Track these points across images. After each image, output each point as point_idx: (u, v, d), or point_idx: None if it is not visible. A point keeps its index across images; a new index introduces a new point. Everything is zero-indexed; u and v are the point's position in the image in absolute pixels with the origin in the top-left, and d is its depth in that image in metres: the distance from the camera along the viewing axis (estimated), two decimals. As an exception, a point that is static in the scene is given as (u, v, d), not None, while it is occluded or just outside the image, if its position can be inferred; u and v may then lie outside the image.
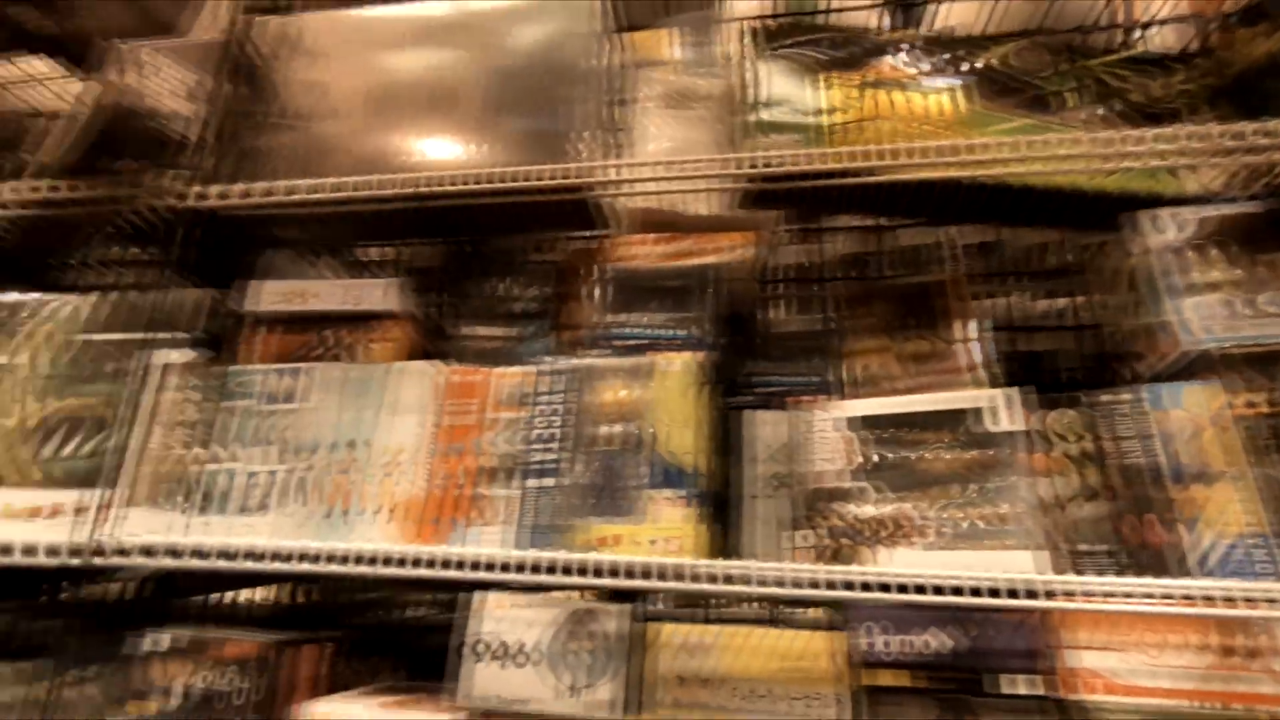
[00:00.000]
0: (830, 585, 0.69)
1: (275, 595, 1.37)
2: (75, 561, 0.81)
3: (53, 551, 0.82)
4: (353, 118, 1.03)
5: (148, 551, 0.80)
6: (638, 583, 0.72)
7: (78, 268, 1.26)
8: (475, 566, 0.75)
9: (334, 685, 0.87)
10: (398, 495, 0.85)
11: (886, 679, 0.75)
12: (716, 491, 0.85)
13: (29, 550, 0.82)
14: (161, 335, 0.94)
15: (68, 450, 0.94)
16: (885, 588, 0.68)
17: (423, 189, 0.91)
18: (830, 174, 0.87)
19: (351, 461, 0.88)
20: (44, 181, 1.02)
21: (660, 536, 0.77)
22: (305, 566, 0.77)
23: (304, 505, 0.87)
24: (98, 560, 0.81)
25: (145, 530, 0.84)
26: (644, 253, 0.93)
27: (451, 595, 1.17)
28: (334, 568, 0.77)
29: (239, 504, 0.88)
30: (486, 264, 1.01)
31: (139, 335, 0.99)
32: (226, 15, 1.06)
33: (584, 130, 0.95)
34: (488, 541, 0.81)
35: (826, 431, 0.85)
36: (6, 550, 0.83)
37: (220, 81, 1.02)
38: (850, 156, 0.84)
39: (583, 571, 0.73)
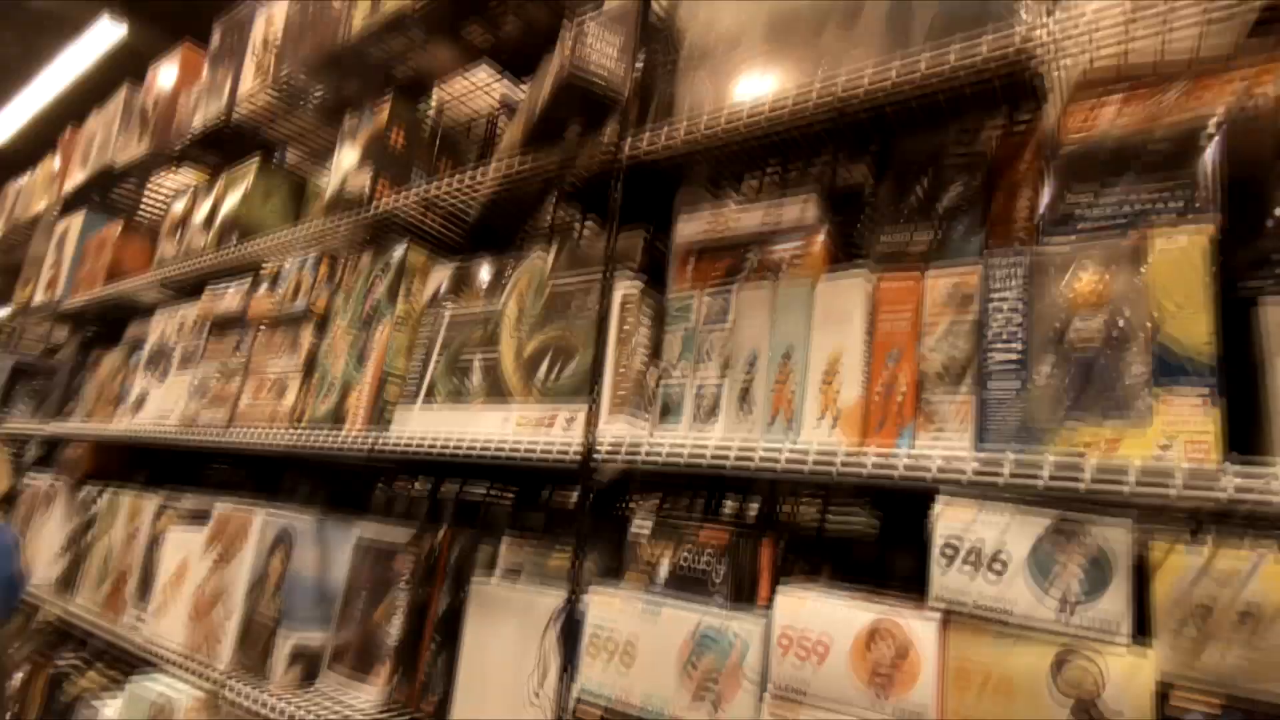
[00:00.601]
0: None
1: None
2: (578, 458, 1.00)
3: (562, 451, 1.02)
4: (753, 46, 1.05)
5: (634, 451, 0.95)
6: (1151, 490, 0.62)
7: (538, 226, 1.54)
8: (944, 470, 0.73)
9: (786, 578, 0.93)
10: (840, 402, 0.86)
11: None
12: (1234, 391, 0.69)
13: (546, 450, 1.04)
14: (611, 272, 1.09)
15: (554, 374, 1.16)
16: None
17: (841, 93, 0.89)
18: None
19: (789, 372, 0.92)
20: (514, 158, 1.25)
21: (1173, 440, 0.65)
22: (767, 465, 0.83)
23: (749, 413, 0.94)
24: (596, 457, 0.98)
25: (621, 433, 1.00)
26: (1107, 118, 0.78)
27: (873, 506, 1.18)
28: (795, 467, 0.82)
29: (692, 413, 0.99)
30: (901, 167, 0.96)
31: (594, 275, 1.17)
32: (633, -22, 1.17)
33: (1018, -9, 0.83)
34: (940, 446, 0.78)
35: None
36: (531, 450, 1.06)
37: (635, 40, 1.13)
38: None
39: (1076, 476, 0.66)
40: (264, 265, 1.71)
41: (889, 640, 0.73)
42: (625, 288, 1.06)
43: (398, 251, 1.46)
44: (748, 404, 0.94)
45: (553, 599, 1.06)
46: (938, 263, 0.86)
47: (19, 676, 2.19)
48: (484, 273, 1.36)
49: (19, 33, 4.39)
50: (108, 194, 2.78)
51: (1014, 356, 0.75)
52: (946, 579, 0.73)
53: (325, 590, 1.44)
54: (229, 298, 1.76)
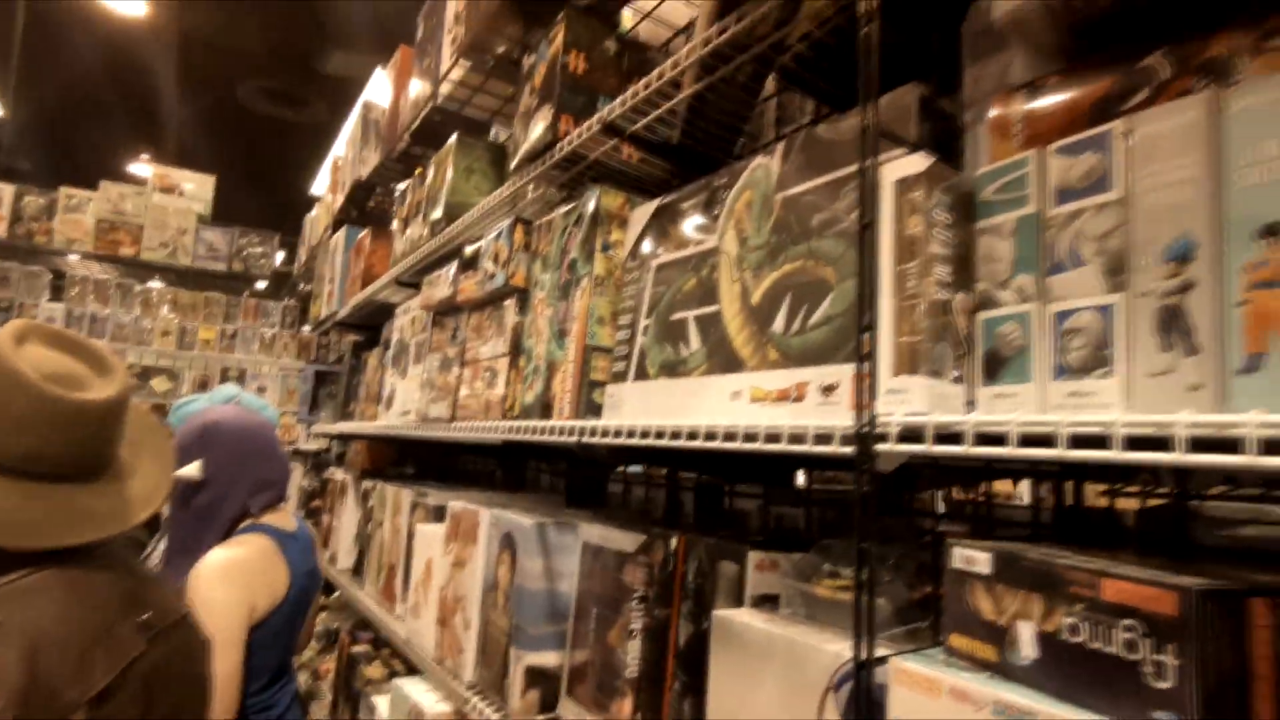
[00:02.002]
0: None
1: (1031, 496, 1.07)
2: (847, 449, 0.63)
3: (822, 437, 0.66)
4: None
5: (948, 435, 0.55)
6: None
7: (757, 135, 1.18)
8: None
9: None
10: None
11: None
12: None
13: (795, 436, 0.69)
14: (873, 148, 0.68)
15: (798, 322, 0.80)
16: None
17: None
18: None
19: (1284, 261, 0.45)
20: (710, 31, 0.89)
21: None
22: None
23: (1184, 354, 0.48)
24: (877, 448, 0.60)
25: (917, 404, 0.60)
26: None
27: None
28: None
29: (1052, 362, 0.56)
30: None
31: (842, 171, 0.77)
32: None
33: None
34: None
35: None
36: (773, 436, 0.71)
37: None
38: None
39: None
40: (468, 245, 1.57)
41: None
42: (901, 167, 0.65)
43: (590, 198, 1.20)
44: (1179, 333, 0.49)
45: (829, 650, 0.70)
46: None
47: (333, 654, 2.43)
48: (692, 205, 1.03)
49: (325, 98, 5.12)
50: (361, 207, 2.99)
51: None
52: None
53: (555, 604, 1.24)
54: (441, 284, 1.66)
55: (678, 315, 0.99)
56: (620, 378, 1.08)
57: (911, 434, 0.58)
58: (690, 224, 1.02)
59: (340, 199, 3.16)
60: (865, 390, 0.63)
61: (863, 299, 0.65)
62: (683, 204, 1.05)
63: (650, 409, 0.98)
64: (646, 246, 1.10)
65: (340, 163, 3.46)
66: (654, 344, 1.03)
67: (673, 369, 0.98)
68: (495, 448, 2.28)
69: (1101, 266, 0.54)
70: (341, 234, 3.00)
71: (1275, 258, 0.45)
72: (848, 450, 0.63)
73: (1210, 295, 0.48)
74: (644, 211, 1.12)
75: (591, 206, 1.19)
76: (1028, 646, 0.53)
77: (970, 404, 0.62)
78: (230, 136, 5.82)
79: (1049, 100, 0.61)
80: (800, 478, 1.33)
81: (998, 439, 0.52)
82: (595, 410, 1.11)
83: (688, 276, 0.99)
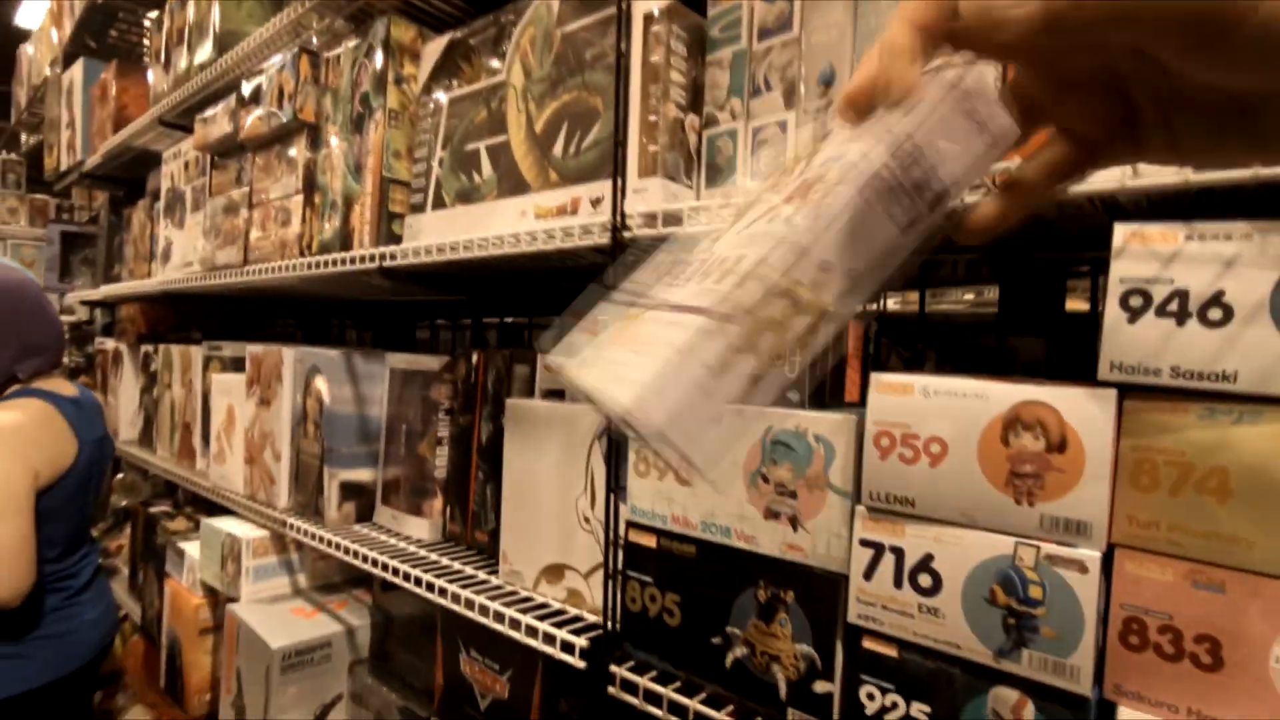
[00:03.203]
0: None
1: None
2: (604, 239, 0.79)
3: (585, 232, 0.81)
4: None
5: (675, 221, 0.72)
6: None
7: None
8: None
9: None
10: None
11: None
12: None
13: (567, 234, 0.83)
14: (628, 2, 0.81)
15: (573, 146, 0.92)
16: None
17: None
18: None
19: (882, 84, 0.65)
20: None
21: None
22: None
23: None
24: (626, 235, 0.77)
25: (655, 200, 0.77)
26: None
27: (992, 278, 0.93)
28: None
29: (750, 168, 0.75)
30: None
31: (607, 11, 0.88)
32: None
33: None
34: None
35: None
36: (550, 237, 0.85)
37: None
38: None
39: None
40: (246, 80, 1.48)
41: (1037, 429, 0.52)
42: (649, 5, 0.78)
43: (379, 28, 1.20)
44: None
45: (595, 414, 0.90)
46: None
47: (123, 532, 2.33)
48: (482, 40, 1.09)
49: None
50: (100, 36, 2.55)
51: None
52: (1124, 337, 0.50)
53: (367, 426, 1.34)
54: (219, 121, 1.56)
55: (471, 146, 1.07)
56: (418, 209, 1.15)
57: (648, 220, 0.74)
58: (481, 58, 1.08)
59: (69, 25, 2.66)
60: (618, 192, 0.78)
61: (617, 118, 0.79)
62: (473, 39, 1.10)
63: (448, 234, 1.08)
64: (440, 80, 1.15)
65: (64, -20, 2.87)
66: (449, 174, 1.11)
67: (467, 196, 1.07)
68: (293, 305, 2.22)
69: (782, 90, 0.72)
70: (78, 69, 2.56)
71: (877, 81, 0.65)
72: (604, 240, 0.79)
73: (842, 110, 0.67)
74: (435, 46, 1.16)
75: (381, 35, 1.19)
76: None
77: (698, 199, 0.80)
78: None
79: (759, -45, 0.76)
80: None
81: (704, 221, 0.70)
82: (396, 241, 1.18)
83: (479, 109, 1.07)
